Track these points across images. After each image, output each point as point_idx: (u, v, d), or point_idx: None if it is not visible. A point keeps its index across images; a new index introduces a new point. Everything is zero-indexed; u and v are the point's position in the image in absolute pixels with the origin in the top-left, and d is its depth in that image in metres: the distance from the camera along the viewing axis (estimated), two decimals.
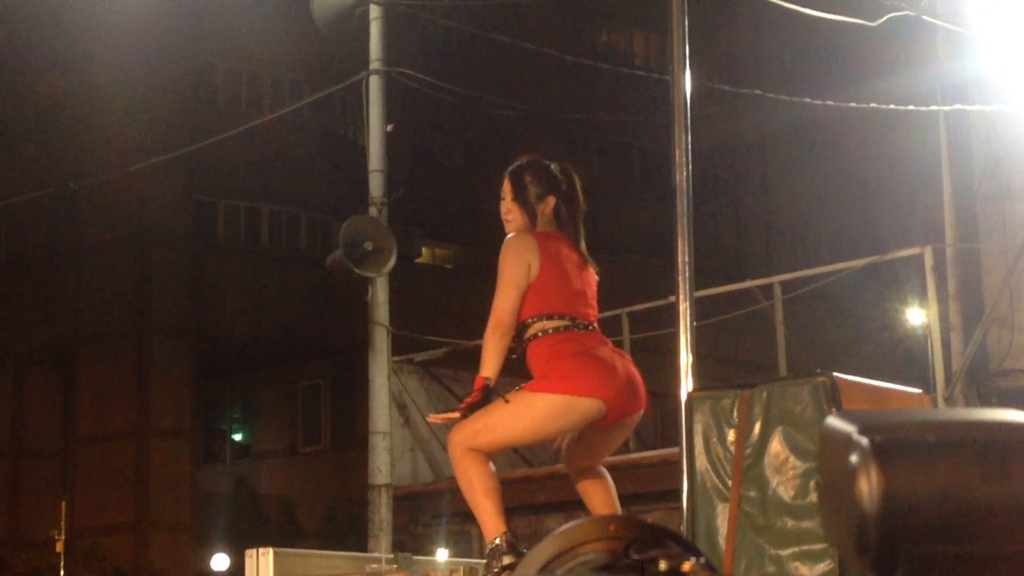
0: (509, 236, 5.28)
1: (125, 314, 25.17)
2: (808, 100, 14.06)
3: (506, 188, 5.38)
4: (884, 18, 11.11)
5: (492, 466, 5.10)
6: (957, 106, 12.82)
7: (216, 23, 24.98)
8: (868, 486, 0.70)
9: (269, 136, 23.17)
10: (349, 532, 20.57)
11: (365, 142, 14.66)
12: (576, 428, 5.16)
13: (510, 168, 5.42)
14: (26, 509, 25.34)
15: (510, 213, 5.35)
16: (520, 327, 5.19)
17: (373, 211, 14.01)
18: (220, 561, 21.65)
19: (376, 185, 14.18)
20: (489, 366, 5.09)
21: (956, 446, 0.71)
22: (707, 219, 28.41)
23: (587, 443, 5.31)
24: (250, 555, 6.79)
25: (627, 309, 15.62)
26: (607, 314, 16.14)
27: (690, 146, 6.53)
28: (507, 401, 5.05)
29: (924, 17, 11.83)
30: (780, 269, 16.65)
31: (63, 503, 18.79)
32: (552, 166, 5.40)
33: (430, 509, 15.25)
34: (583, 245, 5.39)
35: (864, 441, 0.72)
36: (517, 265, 5.18)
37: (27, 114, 26.75)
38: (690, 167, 6.48)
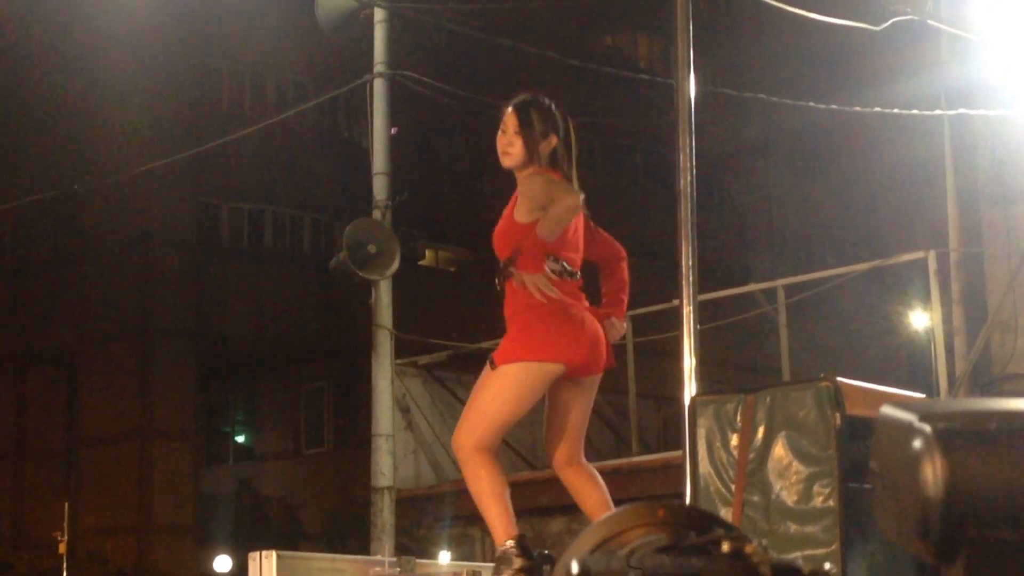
0: (527, 174, 5.22)
1: (129, 316, 25.19)
2: (812, 104, 14.07)
3: (510, 121, 5.32)
4: (888, 22, 11.11)
5: (501, 468, 5.09)
6: (961, 110, 12.81)
7: (221, 26, 24.99)
8: (932, 472, 0.71)
9: (273, 139, 23.19)
10: (352, 535, 20.56)
11: (369, 145, 14.67)
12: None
13: (514, 101, 5.38)
14: (29, 511, 25.35)
15: (511, 147, 5.29)
16: (509, 259, 5.17)
17: (377, 214, 14.01)
18: (223, 563, 21.65)
19: (380, 188, 14.19)
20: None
21: (1018, 433, 0.72)
22: (711, 223, 28.40)
23: (557, 417, 5.25)
24: (253, 558, 6.78)
25: (631, 312, 15.61)
26: None
27: (694, 150, 6.53)
28: (493, 366, 5.05)
29: (928, 21, 11.83)
30: (784, 273, 16.65)
31: (66, 505, 18.79)
32: (553, 105, 5.40)
33: (433, 512, 15.25)
34: (575, 186, 5.35)
35: (927, 428, 0.73)
36: (546, 192, 5.13)
37: (31, 117, 26.78)
38: (694, 171, 6.48)
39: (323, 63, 23.02)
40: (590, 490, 5.23)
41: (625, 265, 5.59)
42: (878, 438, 0.76)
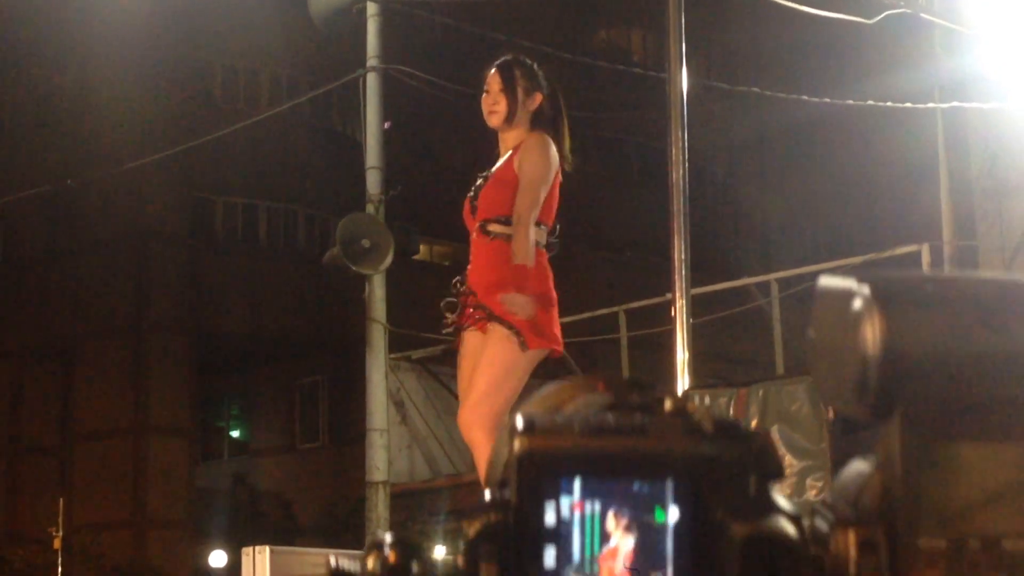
0: (538, 135, 5.27)
1: (123, 311, 25.16)
2: (805, 98, 14.07)
3: (493, 80, 5.35)
4: (881, 16, 11.12)
5: None
6: (954, 103, 12.82)
7: (214, 20, 24.96)
8: (871, 330, 0.73)
9: (267, 133, 23.16)
10: (346, 529, 20.58)
11: (362, 139, 14.66)
12: None
13: (497, 62, 5.41)
14: (23, 506, 25.33)
15: (497, 105, 5.31)
16: (499, 219, 5.17)
17: (371, 208, 14.01)
18: (218, 558, 21.67)
19: (373, 182, 14.18)
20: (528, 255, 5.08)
21: (956, 296, 0.75)
22: (703, 216, 28.41)
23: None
24: (246, 553, 6.78)
25: (624, 307, 15.63)
26: (604, 311, 16.17)
27: (686, 144, 6.53)
28: (518, 336, 5.05)
29: (921, 15, 11.84)
30: (777, 266, 16.64)
31: (60, 500, 18.80)
32: (535, 65, 5.43)
33: (427, 506, 15.25)
34: (567, 145, 5.36)
35: (866, 289, 0.75)
36: (548, 170, 5.20)
37: (24, 111, 26.74)
38: (686, 165, 6.48)
39: (316, 58, 22.98)
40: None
41: None
42: (817, 307, 0.79)
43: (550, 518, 0.73)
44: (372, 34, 14.30)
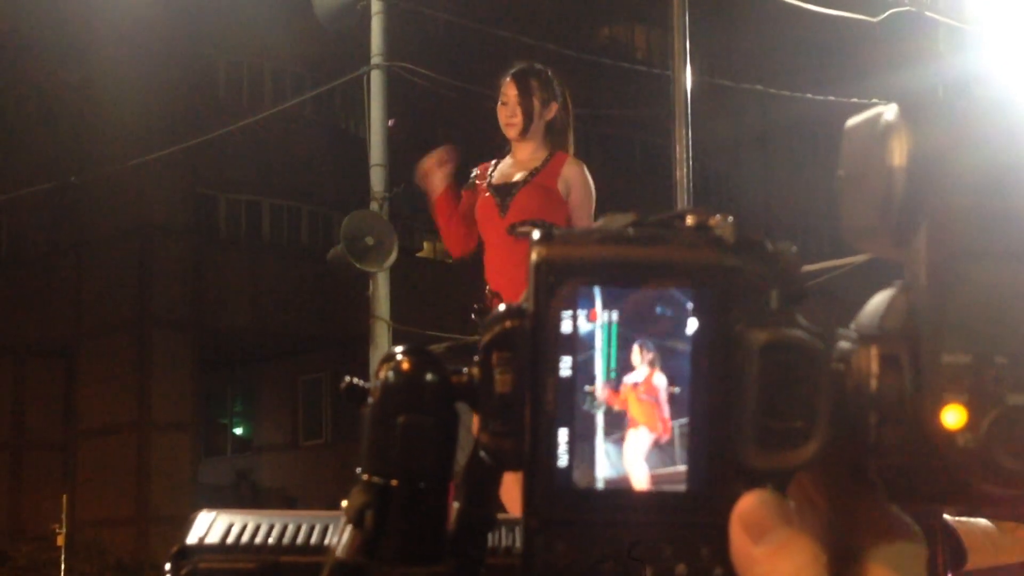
0: (580, 165, 5.41)
1: (126, 307, 25.18)
2: (810, 96, 14.07)
3: (510, 91, 5.37)
4: (886, 14, 11.12)
5: None
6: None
7: (217, 17, 24.97)
8: (897, 142, 0.74)
9: (270, 130, 23.17)
10: None
11: (366, 136, 14.67)
12: None
13: (513, 71, 5.43)
14: (27, 502, 25.37)
15: (514, 118, 5.35)
16: (535, 223, 5.29)
17: (374, 205, 14.02)
18: None
19: (377, 179, 14.19)
20: None
21: (986, 111, 0.75)
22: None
23: None
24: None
25: None
26: None
27: (691, 142, 6.53)
28: None
29: (926, 13, 11.84)
30: None
31: (64, 496, 18.83)
32: (550, 72, 5.46)
33: None
34: (570, 149, 5.50)
35: (894, 106, 0.75)
36: (593, 202, 5.43)
37: (28, 108, 26.76)
38: (691, 163, 6.49)
39: (320, 54, 23.00)
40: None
41: None
42: (845, 144, 0.80)
43: (567, 326, 0.72)
44: (376, 31, 14.31)
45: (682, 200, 6.44)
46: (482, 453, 0.75)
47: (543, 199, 5.33)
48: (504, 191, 5.38)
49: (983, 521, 2.54)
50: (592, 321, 0.72)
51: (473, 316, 5.30)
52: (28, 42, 26.11)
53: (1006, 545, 2.62)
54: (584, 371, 0.72)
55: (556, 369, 0.72)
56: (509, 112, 5.35)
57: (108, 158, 22.09)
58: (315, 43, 22.27)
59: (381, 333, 14.08)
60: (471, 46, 25.62)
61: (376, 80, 14.29)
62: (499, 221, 5.36)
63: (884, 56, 20.40)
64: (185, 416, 25.42)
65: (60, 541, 17.73)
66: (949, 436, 0.71)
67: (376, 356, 14.04)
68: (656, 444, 0.73)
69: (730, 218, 0.76)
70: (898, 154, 0.73)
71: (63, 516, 17.74)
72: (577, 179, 5.38)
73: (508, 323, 0.73)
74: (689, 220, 0.75)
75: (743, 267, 0.73)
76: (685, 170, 6.51)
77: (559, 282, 0.72)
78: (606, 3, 30.54)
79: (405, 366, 0.80)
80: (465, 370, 0.78)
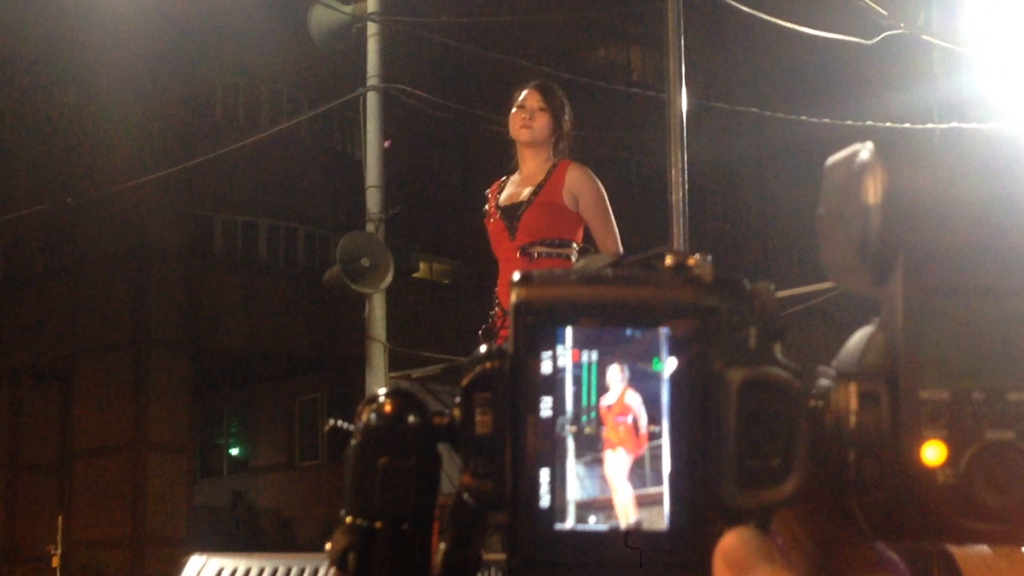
0: (581, 167, 5.57)
1: (122, 328, 25.16)
2: (805, 118, 14.10)
3: (531, 97, 5.53)
4: (880, 36, 11.15)
5: None
6: (953, 124, 12.85)
7: (214, 38, 25.01)
8: (872, 180, 0.75)
9: (267, 151, 23.19)
10: None
11: (363, 158, 14.69)
12: None
13: (535, 82, 5.59)
14: (22, 523, 25.31)
15: (532, 121, 5.47)
16: (545, 241, 5.45)
17: (370, 227, 14.03)
18: None
19: (373, 201, 14.20)
20: None
21: (955, 152, 0.76)
22: (704, 236, 28.44)
23: None
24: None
25: None
26: None
27: (686, 165, 6.55)
28: None
29: (921, 35, 11.87)
30: (777, 286, 16.61)
31: (59, 517, 18.79)
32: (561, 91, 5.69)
33: None
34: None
35: (870, 145, 0.77)
36: (605, 197, 5.60)
37: (24, 129, 26.77)
38: (686, 186, 6.50)
39: (316, 76, 23.03)
40: None
41: None
42: (824, 181, 0.81)
43: (546, 367, 0.73)
44: (372, 53, 14.34)
45: (677, 222, 6.45)
46: (464, 494, 0.75)
47: (549, 216, 5.45)
48: (511, 213, 5.50)
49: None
50: (573, 362, 0.73)
51: (480, 335, 5.36)
52: (25, 63, 26.14)
53: (1002, 568, 2.62)
54: (564, 410, 0.73)
55: (537, 410, 0.73)
56: (526, 115, 5.49)
57: (105, 179, 22.10)
58: (311, 65, 22.31)
59: (377, 354, 14.08)
60: (467, 68, 25.67)
61: (372, 101, 14.31)
62: (509, 244, 5.48)
63: (879, 78, 20.46)
64: (181, 437, 25.38)
65: (56, 562, 17.69)
66: (929, 472, 0.71)
67: (372, 377, 14.03)
68: (635, 464, 0.74)
69: (708, 258, 0.76)
70: (873, 193, 0.74)
71: (58, 537, 17.71)
72: (583, 186, 5.50)
73: (488, 364, 0.73)
74: (668, 260, 0.76)
75: (720, 307, 0.74)
76: (680, 194, 6.53)
77: (538, 323, 0.73)
78: (602, 25, 30.60)
79: (387, 408, 0.80)
80: (447, 411, 0.78)
